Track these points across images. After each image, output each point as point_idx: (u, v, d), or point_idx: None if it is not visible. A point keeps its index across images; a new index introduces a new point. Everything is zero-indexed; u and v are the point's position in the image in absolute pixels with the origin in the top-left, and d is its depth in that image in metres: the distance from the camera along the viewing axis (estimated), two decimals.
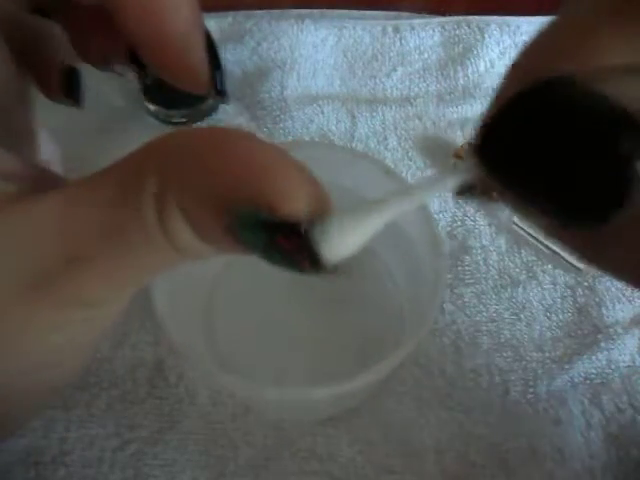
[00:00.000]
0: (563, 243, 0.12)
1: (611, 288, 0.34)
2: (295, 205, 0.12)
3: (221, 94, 0.36)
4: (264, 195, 0.11)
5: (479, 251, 0.35)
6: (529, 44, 0.13)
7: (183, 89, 0.16)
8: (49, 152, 0.35)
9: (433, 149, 0.39)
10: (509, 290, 0.34)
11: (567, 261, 0.34)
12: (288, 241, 0.12)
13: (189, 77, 0.16)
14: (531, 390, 0.30)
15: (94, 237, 0.12)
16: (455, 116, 0.41)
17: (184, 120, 0.41)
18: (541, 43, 0.13)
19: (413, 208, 0.13)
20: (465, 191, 0.17)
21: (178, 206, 0.12)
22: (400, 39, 0.45)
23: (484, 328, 0.32)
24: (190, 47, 0.16)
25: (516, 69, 0.13)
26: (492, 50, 0.44)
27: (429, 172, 0.38)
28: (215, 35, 0.46)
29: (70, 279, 0.13)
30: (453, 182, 0.12)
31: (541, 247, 0.35)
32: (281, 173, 0.12)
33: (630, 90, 0.09)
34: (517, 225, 0.35)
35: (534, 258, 0.35)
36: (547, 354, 0.31)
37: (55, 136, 0.35)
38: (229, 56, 0.44)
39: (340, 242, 0.12)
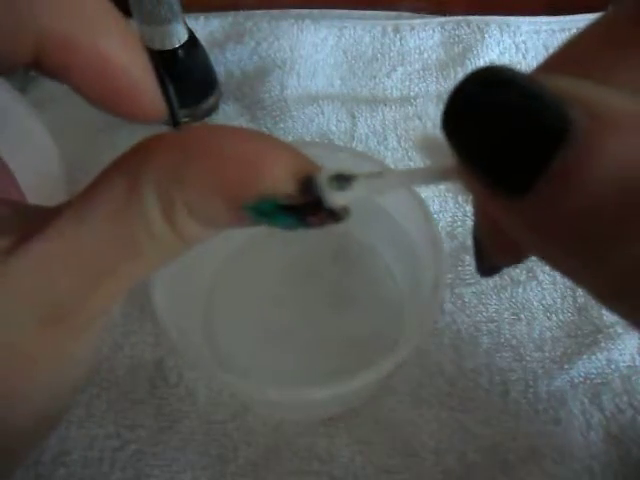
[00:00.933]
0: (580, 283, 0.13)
1: None
2: (313, 184, 0.12)
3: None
4: (282, 185, 0.12)
5: None
6: (557, 50, 0.14)
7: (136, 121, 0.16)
8: (49, 152, 0.35)
9: (433, 149, 0.39)
10: (509, 290, 0.34)
11: None
12: (315, 217, 0.13)
13: (142, 113, 0.15)
14: (531, 390, 0.30)
15: (109, 252, 0.12)
16: None
17: (184, 120, 0.41)
18: (565, 50, 0.14)
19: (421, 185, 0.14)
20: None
21: (183, 202, 0.12)
22: (400, 39, 0.45)
23: (484, 328, 0.32)
24: (141, 86, 0.15)
25: (537, 71, 0.14)
26: (492, 50, 0.44)
27: None
28: (215, 35, 0.46)
29: (96, 299, 0.13)
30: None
31: None
32: (288, 158, 0.12)
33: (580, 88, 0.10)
34: None
35: (534, 258, 0.35)
36: (547, 354, 0.31)
37: (55, 136, 0.35)
38: (229, 56, 0.44)
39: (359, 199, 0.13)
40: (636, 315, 0.11)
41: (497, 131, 0.10)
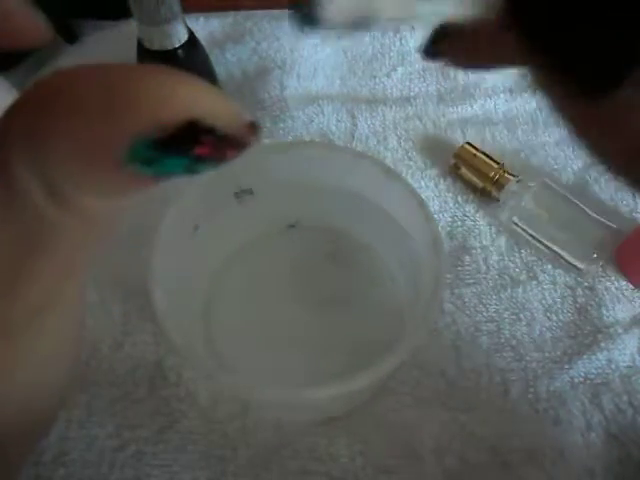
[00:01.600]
0: (568, 119, 0.13)
1: (611, 288, 0.34)
2: (185, 105, 0.10)
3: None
4: (149, 118, 0.10)
5: (479, 251, 0.35)
6: None
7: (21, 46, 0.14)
8: None
9: (433, 149, 0.39)
10: (509, 290, 0.34)
11: (567, 261, 0.34)
12: (205, 146, 0.10)
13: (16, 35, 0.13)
14: (531, 390, 0.30)
15: (5, 254, 0.11)
16: (455, 116, 0.41)
17: None
18: None
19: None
20: (430, 50, 0.17)
21: (58, 172, 0.10)
22: (400, 39, 0.45)
23: (484, 328, 0.32)
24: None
25: None
26: None
27: (429, 172, 0.38)
28: (215, 35, 0.46)
29: (15, 304, 0.12)
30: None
31: (541, 247, 0.35)
32: (152, 82, 0.10)
33: None
34: (517, 225, 0.35)
35: (534, 258, 0.35)
36: (547, 354, 0.31)
37: None
38: (229, 56, 0.44)
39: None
40: None
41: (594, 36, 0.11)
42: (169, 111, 0.10)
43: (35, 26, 0.12)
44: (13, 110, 0.10)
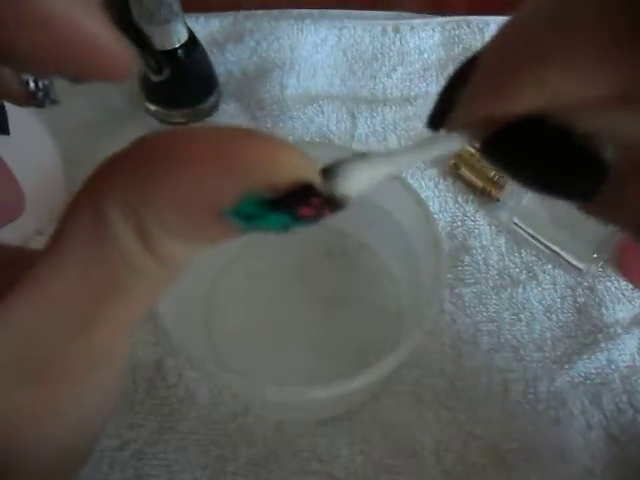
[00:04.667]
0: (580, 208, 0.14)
1: (611, 288, 0.34)
2: (299, 169, 0.11)
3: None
4: (260, 176, 0.10)
5: (479, 251, 0.35)
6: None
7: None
8: (49, 151, 0.35)
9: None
10: (509, 290, 0.34)
11: (567, 261, 0.34)
12: (310, 207, 0.11)
13: (102, 68, 0.13)
14: (531, 390, 0.30)
15: (88, 297, 0.11)
16: None
17: (184, 120, 0.41)
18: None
19: (412, 163, 0.14)
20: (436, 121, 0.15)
21: (157, 222, 0.11)
22: (400, 39, 0.45)
23: (484, 328, 0.32)
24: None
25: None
26: None
27: (429, 172, 0.38)
28: (215, 35, 0.46)
29: (87, 348, 0.12)
30: (454, 144, 0.13)
31: (541, 247, 0.35)
32: (265, 146, 0.11)
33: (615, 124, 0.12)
34: (517, 225, 0.35)
35: (534, 258, 0.35)
36: (547, 354, 0.31)
37: (55, 136, 0.35)
38: (229, 56, 0.44)
39: (358, 181, 0.12)
40: None
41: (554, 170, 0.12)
42: (284, 172, 0.10)
43: (123, 56, 0.12)
44: (114, 161, 0.11)
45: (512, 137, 0.12)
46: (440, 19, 0.46)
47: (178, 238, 0.11)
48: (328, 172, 0.11)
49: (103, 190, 0.11)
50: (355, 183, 0.12)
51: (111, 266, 0.11)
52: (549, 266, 0.34)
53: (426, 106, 0.42)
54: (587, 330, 0.32)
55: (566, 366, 0.31)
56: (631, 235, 0.14)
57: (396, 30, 0.46)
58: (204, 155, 0.10)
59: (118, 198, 0.10)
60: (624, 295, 0.33)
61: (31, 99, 0.15)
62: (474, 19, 0.46)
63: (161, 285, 0.12)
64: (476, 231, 0.36)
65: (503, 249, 0.35)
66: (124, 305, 0.12)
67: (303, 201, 0.11)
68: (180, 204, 0.11)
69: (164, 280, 0.12)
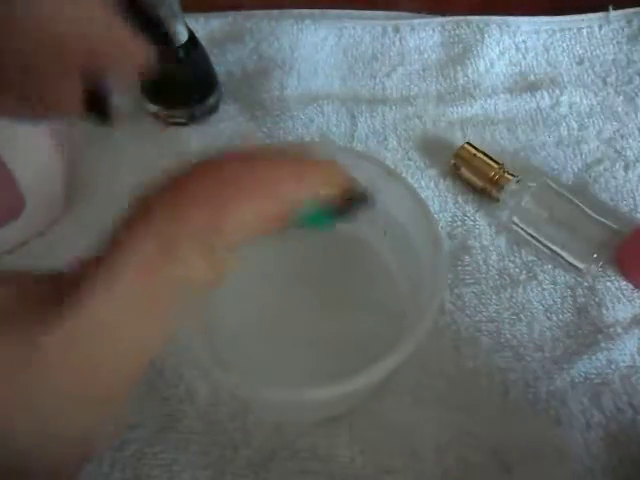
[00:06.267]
0: None
1: (611, 288, 0.34)
2: (351, 185, 0.16)
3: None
4: (330, 190, 0.15)
5: (479, 251, 0.35)
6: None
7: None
8: (49, 152, 0.35)
9: (433, 149, 0.39)
10: (509, 290, 0.34)
11: (567, 261, 0.34)
12: (350, 209, 0.17)
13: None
14: (531, 390, 0.30)
15: (143, 316, 0.13)
16: (455, 116, 0.41)
17: (184, 120, 0.41)
18: None
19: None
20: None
21: (226, 243, 0.13)
22: (400, 39, 0.45)
23: (484, 328, 0.32)
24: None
25: None
26: (492, 50, 0.44)
27: (429, 172, 0.38)
28: (215, 35, 0.46)
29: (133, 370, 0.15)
30: None
31: (541, 247, 0.35)
32: (322, 163, 0.16)
33: None
34: (517, 225, 0.35)
35: (534, 258, 0.35)
36: (547, 354, 0.31)
37: (55, 137, 0.35)
38: (229, 56, 0.44)
39: None
40: None
41: None
42: (343, 185, 0.16)
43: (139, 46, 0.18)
44: (180, 191, 0.13)
45: None
46: (440, 19, 0.46)
47: (235, 247, 0.14)
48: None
49: (173, 225, 0.12)
50: None
51: (170, 286, 0.13)
52: (549, 266, 0.34)
53: (426, 106, 0.42)
54: (587, 330, 0.32)
55: (566, 366, 0.31)
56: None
57: (396, 30, 0.46)
58: (284, 178, 0.14)
59: (191, 233, 0.12)
60: (624, 295, 0.33)
61: (93, 113, 0.20)
62: (474, 19, 0.46)
63: (207, 290, 0.14)
64: (476, 231, 0.36)
65: (503, 249, 0.35)
66: (177, 311, 0.14)
67: (352, 206, 0.17)
68: (252, 224, 0.14)
69: (211, 286, 0.14)
